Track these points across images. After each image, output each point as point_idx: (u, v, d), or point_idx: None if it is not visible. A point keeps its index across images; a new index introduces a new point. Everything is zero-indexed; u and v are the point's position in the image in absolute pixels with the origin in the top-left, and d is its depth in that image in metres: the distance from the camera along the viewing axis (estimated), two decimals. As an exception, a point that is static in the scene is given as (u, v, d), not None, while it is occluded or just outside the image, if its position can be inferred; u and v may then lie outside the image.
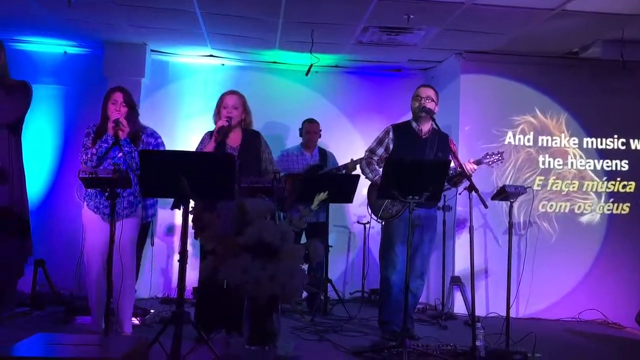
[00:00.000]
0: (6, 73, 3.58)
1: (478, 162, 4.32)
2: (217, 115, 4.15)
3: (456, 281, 5.54)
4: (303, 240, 4.99)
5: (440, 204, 5.14)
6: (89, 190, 3.90)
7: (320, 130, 5.78)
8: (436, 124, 4.19)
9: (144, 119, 5.70)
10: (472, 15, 4.63)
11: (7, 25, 5.45)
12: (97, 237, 3.88)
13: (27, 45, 5.98)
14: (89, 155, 3.86)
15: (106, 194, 3.44)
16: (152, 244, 5.64)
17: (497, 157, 4.37)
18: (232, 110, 4.08)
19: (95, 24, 5.35)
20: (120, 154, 3.90)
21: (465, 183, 3.98)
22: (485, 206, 3.90)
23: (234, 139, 4.15)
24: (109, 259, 3.40)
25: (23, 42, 5.93)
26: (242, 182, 3.76)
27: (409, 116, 4.48)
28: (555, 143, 5.88)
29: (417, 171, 3.79)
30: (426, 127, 4.35)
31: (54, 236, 5.75)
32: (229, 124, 4.04)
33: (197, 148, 4.16)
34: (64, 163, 5.97)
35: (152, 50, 6.12)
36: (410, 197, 3.70)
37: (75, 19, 5.16)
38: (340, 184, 5.03)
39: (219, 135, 3.99)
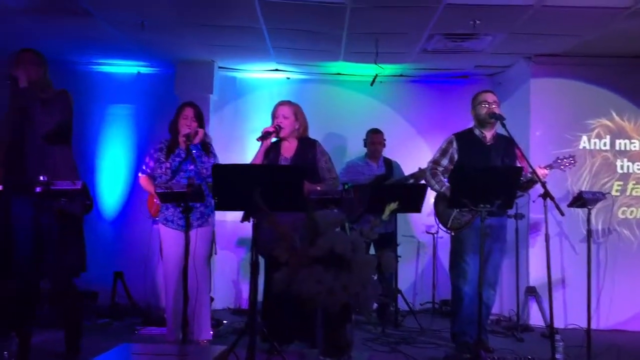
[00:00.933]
0: (45, 87, 3.62)
1: (549, 167, 4.18)
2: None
3: (531, 291, 5.36)
4: (371, 251, 4.97)
5: (512, 211, 5.00)
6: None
7: (385, 140, 5.76)
8: (507, 129, 4.08)
9: (213, 135, 5.89)
10: (542, 17, 4.51)
11: (86, 48, 5.76)
12: (173, 248, 4.01)
13: (103, 67, 6.29)
14: (164, 170, 4.02)
15: (180, 207, 3.57)
16: (216, 253, 5.75)
17: (569, 161, 4.22)
18: (282, 120, 4.05)
19: (166, 44, 5.57)
20: (192, 166, 4.02)
21: (539, 190, 3.86)
22: (562, 213, 3.76)
23: (288, 149, 4.13)
24: (184, 270, 3.50)
25: (100, 64, 6.24)
26: (311, 194, 3.79)
27: (474, 123, 4.38)
28: (634, 146, 5.62)
29: (487, 179, 3.71)
30: (490, 133, 4.25)
31: (130, 248, 5.97)
32: (275, 130, 4.01)
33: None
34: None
35: (219, 67, 6.29)
36: (482, 205, 3.62)
37: (147, 40, 5.38)
38: (409, 193, 4.98)
39: (262, 139, 3.96)
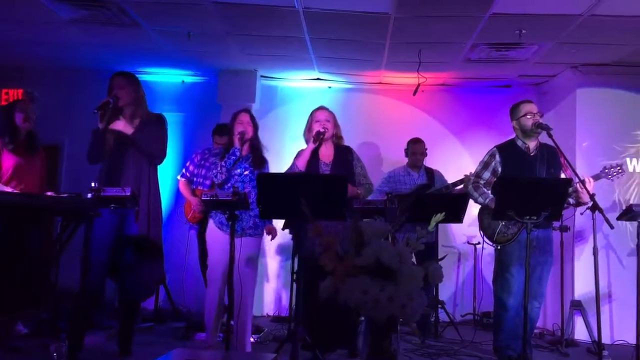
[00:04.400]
0: (141, 104, 3.90)
1: (597, 178, 4.08)
2: (309, 131, 4.14)
3: (577, 305, 5.23)
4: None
5: (557, 224, 4.90)
6: None
7: (426, 150, 5.72)
8: (553, 140, 4.00)
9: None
10: (590, 27, 4.43)
11: (133, 58, 5.90)
12: (220, 253, 3.94)
13: (149, 76, 6.42)
14: (219, 168, 4.00)
15: (226, 215, 3.61)
16: None
17: (616, 170, 4.13)
18: (326, 123, 4.08)
19: (210, 54, 5.67)
20: (247, 172, 4.03)
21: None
22: (611, 227, 3.69)
23: (326, 154, 4.14)
24: (229, 277, 3.54)
25: (146, 73, 6.38)
26: (355, 203, 3.79)
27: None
28: (684, 158, 5.46)
29: (534, 191, 3.64)
30: (534, 143, 4.17)
31: (172, 255, 6.04)
32: (323, 133, 4.04)
33: (292, 164, 4.14)
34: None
35: (262, 76, 6.36)
36: (528, 217, 3.56)
37: (193, 50, 5.48)
38: (451, 203, 4.92)
39: (316, 138, 4.00)
